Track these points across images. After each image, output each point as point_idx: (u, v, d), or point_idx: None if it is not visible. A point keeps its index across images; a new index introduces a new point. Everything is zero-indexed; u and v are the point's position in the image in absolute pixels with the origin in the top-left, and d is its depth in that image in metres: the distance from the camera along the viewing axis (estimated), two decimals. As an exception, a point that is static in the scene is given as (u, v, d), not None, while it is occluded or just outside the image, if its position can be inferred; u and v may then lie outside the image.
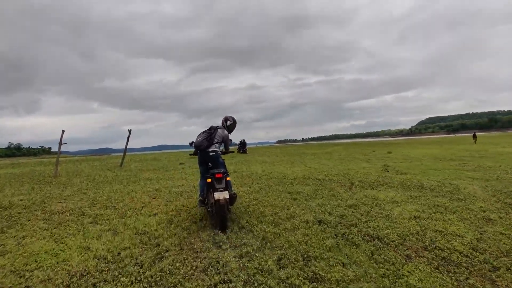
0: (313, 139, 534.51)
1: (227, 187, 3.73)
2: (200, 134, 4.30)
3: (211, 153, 4.13)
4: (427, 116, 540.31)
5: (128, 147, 14.40)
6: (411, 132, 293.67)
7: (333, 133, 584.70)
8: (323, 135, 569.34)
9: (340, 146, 35.04)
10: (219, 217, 3.57)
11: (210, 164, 4.18)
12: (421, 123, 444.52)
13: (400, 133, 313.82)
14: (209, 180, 3.83)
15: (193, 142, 4.38)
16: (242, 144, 27.40)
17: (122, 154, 15.45)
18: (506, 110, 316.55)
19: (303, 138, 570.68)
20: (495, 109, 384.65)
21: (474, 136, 27.24)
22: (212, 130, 4.26)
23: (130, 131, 14.25)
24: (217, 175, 3.75)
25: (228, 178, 3.84)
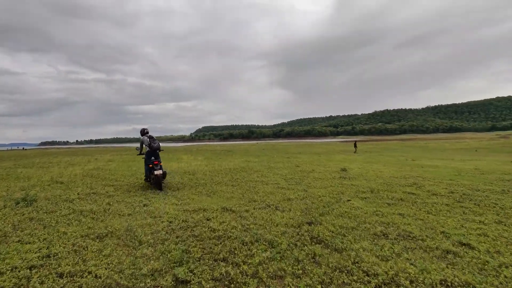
0: (91, 141, 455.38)
1: (161, 168, 6.76)
2: (146, 139, 7.08)
3: (158, 151, 7.10)
4: (203, 125, 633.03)
5: None
6: (192, 138, 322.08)
7: (115, 136, 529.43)
8: (103, 137, 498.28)
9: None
10: (157, 183, 6.69)
11: (153, 157, 6.86)
12: (199, 131, 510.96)
13: (182, 139, 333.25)
14: (150, 166, 6.80)
15: (139, 147, 7.42)
16: None
17: None
18: (256, 124, 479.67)
19: (77, 140, 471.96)
20: (248, 123, 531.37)
21: (355, 145, 29.43)
22: (153, 137, 7.12)
23: None
24: (155, 162, 6.77)
25: (161, 163, 6.88)
